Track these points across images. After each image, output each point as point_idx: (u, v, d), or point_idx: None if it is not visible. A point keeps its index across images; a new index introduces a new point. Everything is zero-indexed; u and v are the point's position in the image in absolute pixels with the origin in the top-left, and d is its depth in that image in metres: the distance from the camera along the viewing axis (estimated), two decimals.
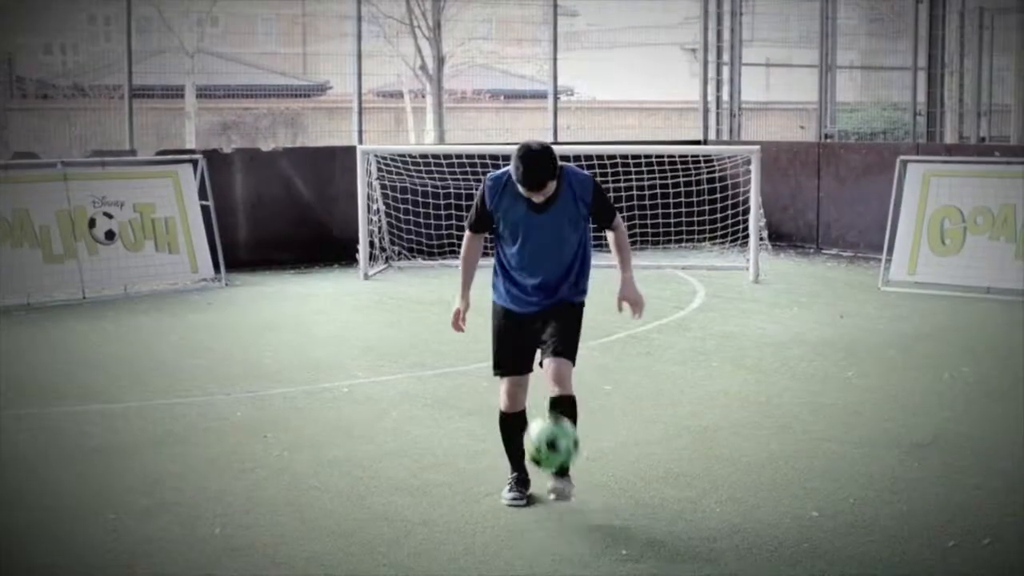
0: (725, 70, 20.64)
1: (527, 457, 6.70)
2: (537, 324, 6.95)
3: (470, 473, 7.55)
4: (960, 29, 20.44)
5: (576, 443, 6.62)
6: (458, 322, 7.15)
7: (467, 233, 7.12)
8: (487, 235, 7.08)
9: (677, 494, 7.14)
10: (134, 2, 16.94)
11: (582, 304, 7.04)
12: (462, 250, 7.16)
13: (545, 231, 6.81)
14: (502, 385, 7.08)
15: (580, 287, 7.01)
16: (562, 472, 6.70)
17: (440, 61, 22.48)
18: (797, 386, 9.81)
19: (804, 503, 6.95)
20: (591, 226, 7.01)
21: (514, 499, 7.01)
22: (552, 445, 6.54)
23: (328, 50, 22.35)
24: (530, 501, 7.00)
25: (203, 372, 10.41)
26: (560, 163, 6.76)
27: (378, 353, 11.18)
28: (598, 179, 7.02)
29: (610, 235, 7.08)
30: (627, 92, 28.80)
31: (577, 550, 6.28)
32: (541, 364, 6.95)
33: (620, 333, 11.74)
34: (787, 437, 8.30)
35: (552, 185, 6.68)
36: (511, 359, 7.02)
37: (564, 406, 6.81)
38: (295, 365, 10.67)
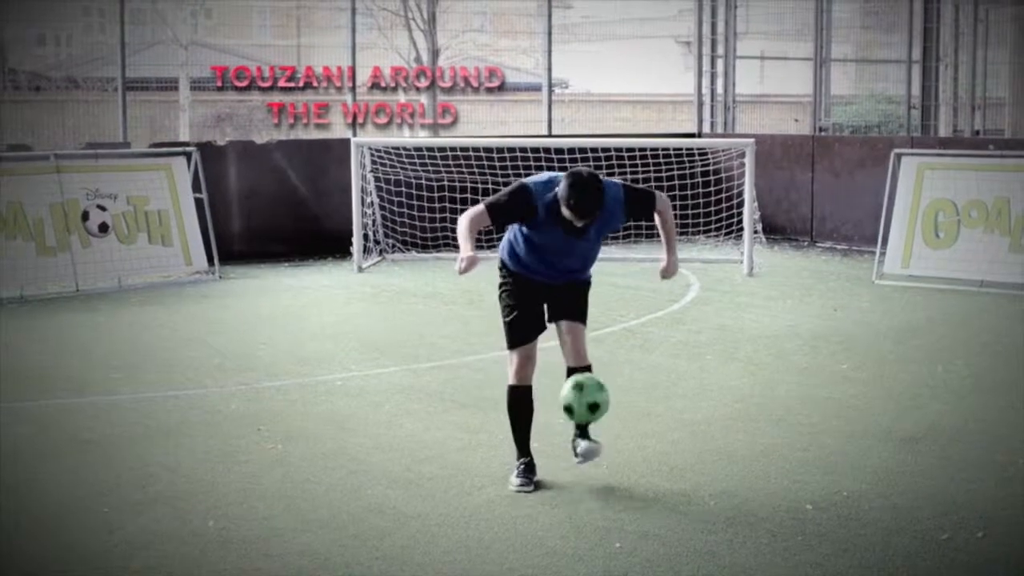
0: (719, 63, 20.63)
1: (564, 408, 7.03)
2: (549, 293, 7.15)
3: (463, 466, 7.55)
4: (955, 22, 20.47)
5: (600, 385, 6.99)
6: (469, 264, 6.91)
7: (482, 209, 6.98)
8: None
9: (671, 487, 7.14)
10: None
11: (589, 282, 7.31)
12: (469, 221, 6.94)
13: (574, 246, 7.02)
14: (513, 356, 7.16)
15: (588, 270, 7.30)
16: (583, 433, 7.17)
17: (435, 54, 22.45)
18: (791, 379, 9.81)
19: (798, 496, 6.95)
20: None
21: (521, 485, 7.09)
22: (579, 386, 6.97)
23: (323, 42, 22.28)
24: (536, 487, 7.07)
25: (197, 365, 10.40)
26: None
27: (372, 346, 11.17)
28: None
29: (656, 219, 7.31)
30: (621, 85, 28.75)
31: (571, 543, 6.28)
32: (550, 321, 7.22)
33: (614, 326, 11.73)
34: (781, 430, 8.30)
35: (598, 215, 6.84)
36: (523, 322, 7.11)
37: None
38: (289, 358, 10.66)
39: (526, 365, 7.15)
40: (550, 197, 6.85)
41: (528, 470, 7.17)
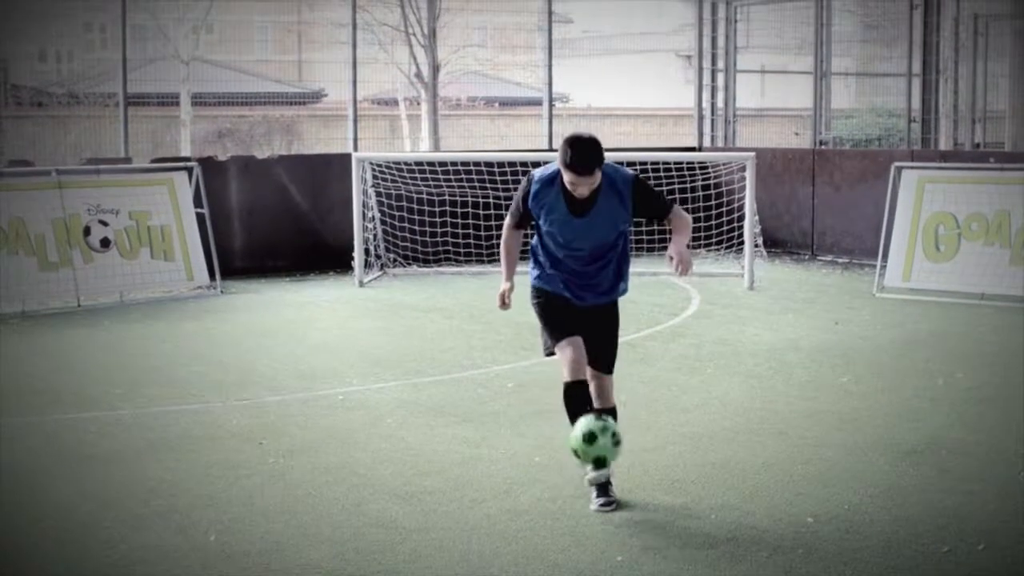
0: (720, 77, 20.66)
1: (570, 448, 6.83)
2: (579, 317, 6.99)
3: (465, 480, 7.55)
4: (955, 35, 20.48)
5: (616, 438, 6.74)
6: (504, 300, 7.11)
7: (508, 224, 7.18)
8: (528, 229, 7.21)
9: (672, 500, 7.15)
10: (129, 10, 16.96)
11: (615, 311, 7.15)
12: (503, 241, 7.22)
13: (584, 234, 6.91)
14: (561, 354, 6.98)
15: (619, 285, 7.12)
16: (600, 464, 6.88)
17: (435, 68, 22.49)
18: (792, 392, 9.82)
19: (799, 509, 6.96)
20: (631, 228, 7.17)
21: (596, 480, 7.01)
22: (590, 438, 6.70)
23: (323, 57, 22.33)
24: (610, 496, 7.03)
25: (198, 379, 10.41)
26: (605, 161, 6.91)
27: (373, 360, 11.18)
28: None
29: (668, 224, 7.12)
30: (622, 99, 28.83)
31: (572, 556, 6.28)
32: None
33: None
34: (782, 443, 8.30)
35: (598, 175, 6.76)
36: (562, 325, 6.99)
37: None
38: (290, 372, 10.67)
39: (577, 359, 6.93)
40: (549, 172, 6.93)
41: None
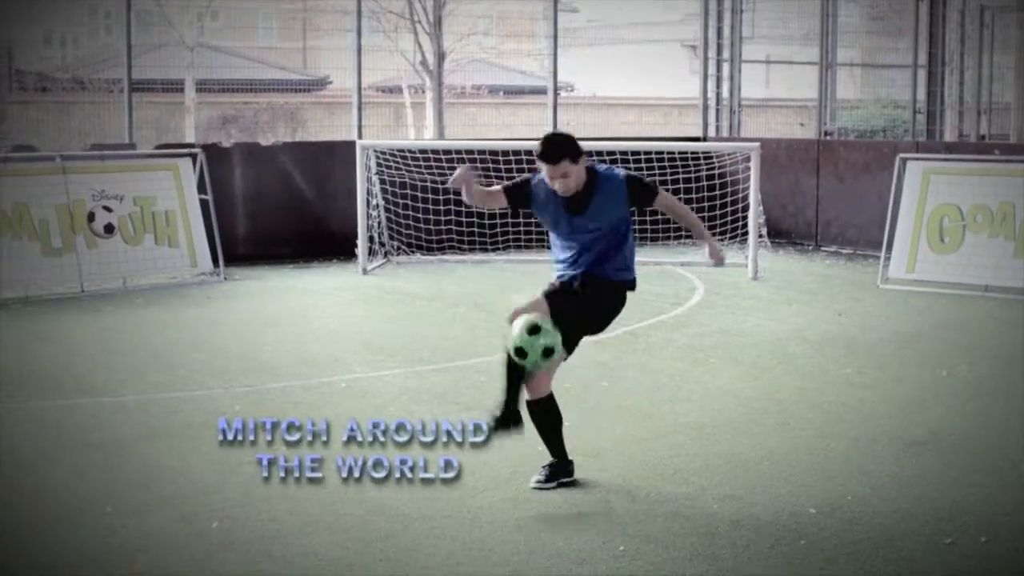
0: (725, 67, 20.62)
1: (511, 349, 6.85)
2: (583, 297, 7.04)
3: (467, 468, 7.53)
4: (960, 27, 20.44)
5: (552, 349, 6.76)
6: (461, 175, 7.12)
7: (498, 188, 7.25)
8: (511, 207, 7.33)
9: (674, 490, 7.15)
10: None
11: (624, 283, 7.17)
12: (486, 190, 7.30)
13: (584, 231, 7.02)
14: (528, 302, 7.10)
15: (631, 266, 7.22)
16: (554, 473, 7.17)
17: (440, 56, 22.47)
18: (795, 383, 9.81)
19: (801, 500, 6.95)
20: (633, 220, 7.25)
21: (538, 483, 7.17)
22: (548, 352, 6.74)
23: (328, 45, 22.34)
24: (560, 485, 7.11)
25: (201, 366, 10.41)
26: (596, 165, 7.08)
27: (376, 348, 11.18)
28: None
29: (669, 214, 7.39)
30: (627, 88, 28.81)
31: (574, 546, 6.28)
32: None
33: (618, 330, 11.72)
34: (785, 434, 8.30)
35: (571, 169, 6.90)
36: (553, 294, 7.09)
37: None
38: (293, 360, 10.67)
39: (540, 378, 7.07)
40: (542, 177, 7.07)
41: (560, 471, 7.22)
